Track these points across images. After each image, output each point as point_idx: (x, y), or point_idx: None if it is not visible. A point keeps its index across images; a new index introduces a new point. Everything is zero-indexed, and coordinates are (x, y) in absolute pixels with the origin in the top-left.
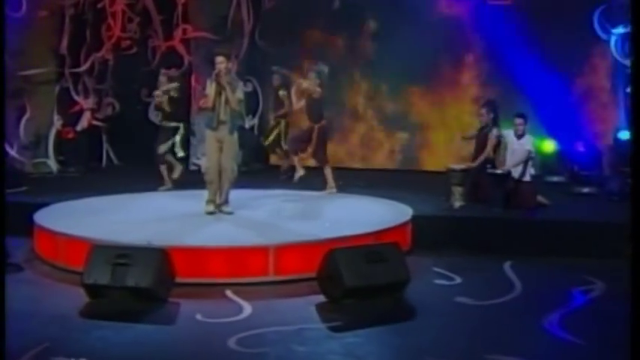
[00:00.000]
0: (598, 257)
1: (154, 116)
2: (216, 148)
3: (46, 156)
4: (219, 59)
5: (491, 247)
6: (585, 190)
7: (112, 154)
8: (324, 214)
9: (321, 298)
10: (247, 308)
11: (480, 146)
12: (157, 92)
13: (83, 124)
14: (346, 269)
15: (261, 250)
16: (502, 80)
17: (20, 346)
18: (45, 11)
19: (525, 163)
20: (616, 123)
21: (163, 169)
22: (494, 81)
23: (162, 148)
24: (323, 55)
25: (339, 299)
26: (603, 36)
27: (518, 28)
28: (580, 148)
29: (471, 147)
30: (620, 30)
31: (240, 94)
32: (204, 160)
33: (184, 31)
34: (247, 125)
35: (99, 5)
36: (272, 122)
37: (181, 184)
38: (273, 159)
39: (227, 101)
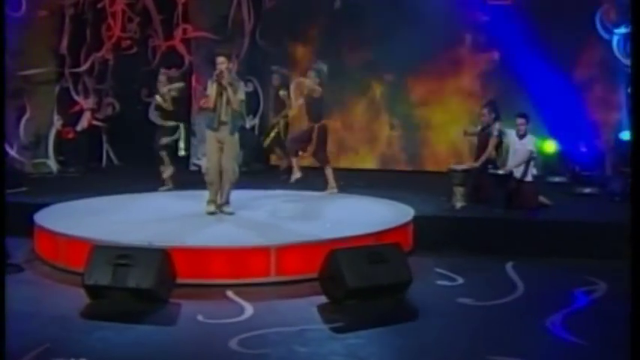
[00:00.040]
0: (600, 258)
1: (154, 116)
2: (216, 149)
3: (46, 156)
4: (221, 60)
5: (493, 248)
6: (587, 190)
7: (112, 155)
8: (326, 215)
9: (323, 298)
10: (249, 309)
11: (482, 146)
12: (163, 90)
13: (83, 124)
14: (348, 270)
15: (263, 251)
16: (503, 80)
17: (21, 346)
18: (45, 11)
19: (527, 163)
20: (618, 123)
21: (163, 169)
22: (495, 81)
23: (164, 140)
24: (323, 55)
25: (340, 300)
26: (605, 36)
27: (519, 28)
28: (582, 148)
29: (471, 144)
30: (622, 30)
31: (241, 95)
32: (205, 160)
33: (185, 31)
34: (248, 125)
35: (99, 5)
36: (272, 122)
37: (182, 185)
38: (273, 159)
39: (228, 102)
